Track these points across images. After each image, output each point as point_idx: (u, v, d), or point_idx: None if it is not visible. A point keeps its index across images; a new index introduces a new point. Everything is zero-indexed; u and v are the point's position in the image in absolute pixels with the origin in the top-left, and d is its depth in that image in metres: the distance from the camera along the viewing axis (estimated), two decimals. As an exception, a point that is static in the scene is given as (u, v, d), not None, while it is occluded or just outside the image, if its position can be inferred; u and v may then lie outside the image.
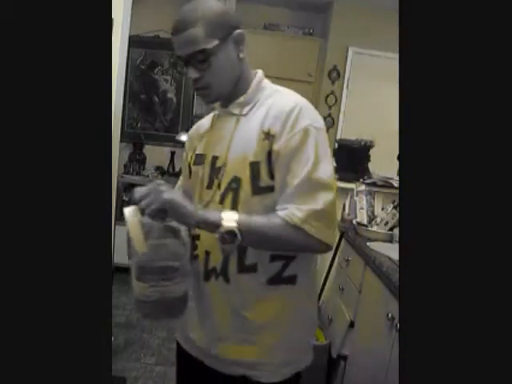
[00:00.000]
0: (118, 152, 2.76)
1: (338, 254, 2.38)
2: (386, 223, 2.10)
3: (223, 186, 0.99)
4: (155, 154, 3.94)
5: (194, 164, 1.09)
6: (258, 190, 0.96)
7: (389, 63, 3.52)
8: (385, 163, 2.58)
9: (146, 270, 0.90)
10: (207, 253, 1.01)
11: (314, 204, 0.91)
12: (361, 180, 2.41)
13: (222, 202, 0.99)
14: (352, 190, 2.41)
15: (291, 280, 1.00)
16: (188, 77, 0.99)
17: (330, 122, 3.84)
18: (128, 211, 0.88)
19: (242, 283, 0.99)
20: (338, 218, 2.39)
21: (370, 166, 2.90)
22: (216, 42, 0.94)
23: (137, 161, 3.86)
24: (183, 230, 0.98)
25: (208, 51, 0.94)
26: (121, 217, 0.94)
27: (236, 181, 0.97)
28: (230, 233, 0.89)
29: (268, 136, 0.95)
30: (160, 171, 3.88)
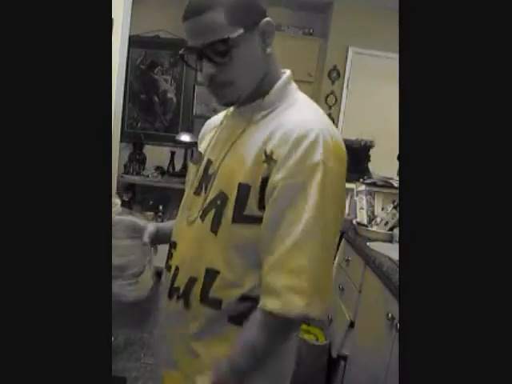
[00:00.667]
0: (118, 152, 2.77)
1: (338, 254, 2.38)
2: (386, 223, 2.11)
3: (209, 199, 0.85)
4: (155, 154, 3.94)
5: (192, 161, 1.00)
6: (239, 217, 0.80)
7: (389, 63, 3.52)
8: (385, 163, 2.58)
9: None
10: (177, 268, 0.89)
11: (303, 275, 0.75)
12: (361, 180, 2.41)
13: (203, 218, 0.85)
14: (352, 189, 2.42)
15: None
16: (203, 72, 0.81)
17: (330, 122, 3.84)
18: None
19: (201, 313, 0.85)
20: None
21: (370, 166, 2.90)
22: (241, 31, 0.76)
23: (137, 161, 3.86)
24: (148, 230, 0.95)
25: (230, 41, 0.76)
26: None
27: (221, 198, 0.82)
28: None
29: (269, 159, 0.78)
30: (160, 171, 3.88)
